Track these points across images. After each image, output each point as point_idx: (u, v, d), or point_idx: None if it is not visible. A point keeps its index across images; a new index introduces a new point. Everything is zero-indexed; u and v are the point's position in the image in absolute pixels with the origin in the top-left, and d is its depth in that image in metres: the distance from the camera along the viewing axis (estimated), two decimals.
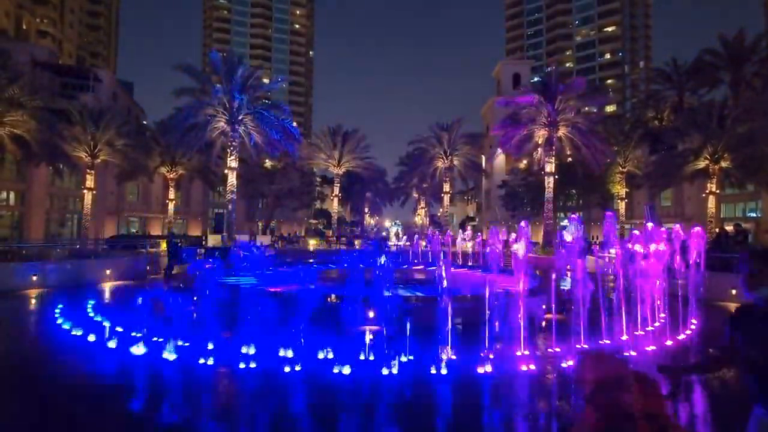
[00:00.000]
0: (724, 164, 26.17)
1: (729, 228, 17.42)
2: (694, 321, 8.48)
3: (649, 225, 7.80)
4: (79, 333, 7.14)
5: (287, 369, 5.48)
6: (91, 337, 6.83)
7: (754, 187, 31.95)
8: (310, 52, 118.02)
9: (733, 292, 11.61)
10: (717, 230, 19.92)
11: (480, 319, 6.61)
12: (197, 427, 4.20)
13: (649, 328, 7.81)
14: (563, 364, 5.78)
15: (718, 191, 27.51)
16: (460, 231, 42.32)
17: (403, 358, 5.82)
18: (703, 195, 28.69)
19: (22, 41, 51.60)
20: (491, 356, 5.92)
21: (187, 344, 6.34)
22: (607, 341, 6.85)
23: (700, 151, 26.30)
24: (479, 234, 32.71)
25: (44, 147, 22.78)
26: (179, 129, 26.61)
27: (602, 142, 28.33)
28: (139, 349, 6.15)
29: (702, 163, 26.62)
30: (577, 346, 6.53)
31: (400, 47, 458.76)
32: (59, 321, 8.04)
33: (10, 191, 34.89)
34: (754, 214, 35.11)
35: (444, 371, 5.43)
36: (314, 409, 4.66)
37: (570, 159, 34.16)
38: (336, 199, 44.03)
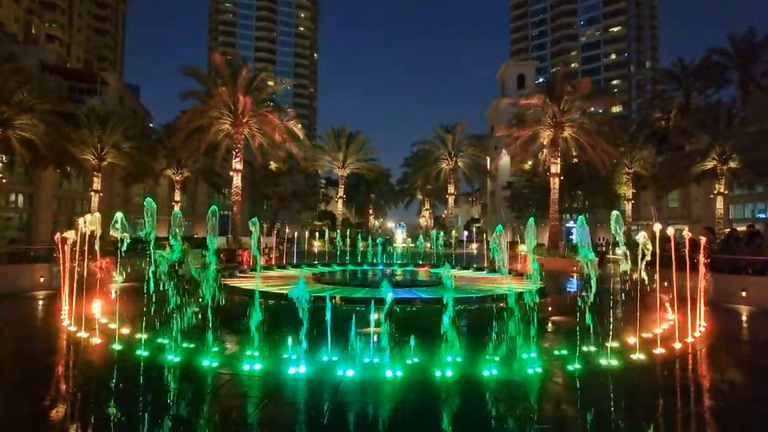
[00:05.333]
0: (732, 165, 25.88)
1: (741, 229, 17.18)
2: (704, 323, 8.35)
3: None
4: (85, 335, 7.16)
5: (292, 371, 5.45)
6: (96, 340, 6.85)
7: (763, 188, 31.56)
8: (315, 55, 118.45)
9: (743, 294, 11.43)
10: (726, 231, 19.64)
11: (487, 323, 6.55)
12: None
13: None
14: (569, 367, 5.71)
15: (726, 192, 27.19)
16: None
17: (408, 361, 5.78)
18: (711, 196, 28.37)
19: (30, 45, 52.31)
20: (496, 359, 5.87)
21: (192, 346, 6.34)
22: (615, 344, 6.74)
23: (707, 151, 26.03)
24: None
25: (52, 150, 23.04)
26: (184, 131, 26.78)
27: (608, 142, 28.10)
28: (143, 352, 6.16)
29: (710, 164, 26.34)
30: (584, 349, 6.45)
31: (403, 49, 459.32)
32: (66, 323, 8.09)
33: (18, 193, 35.28)
34: (764, 215, 34.66)
35: (449, 374, 5.38)
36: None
37: (576, 160, 33.91)
38: (340, 201, 44.06)
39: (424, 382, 5.25)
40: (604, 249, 26.38)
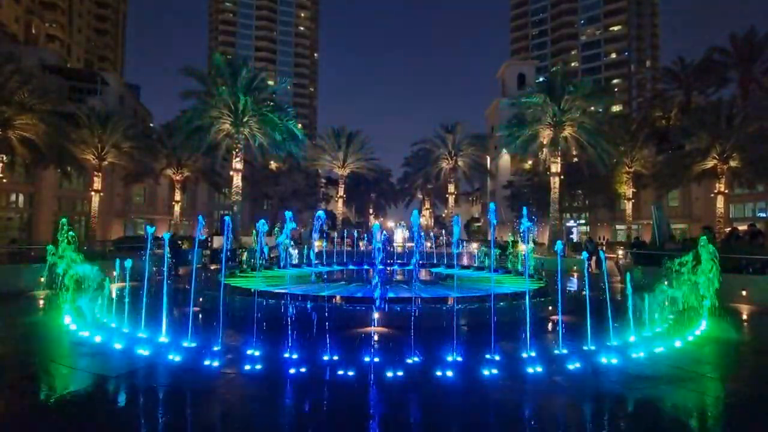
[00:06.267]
0: (732, 164, 25.88)
1: (741, 228, 17.18)
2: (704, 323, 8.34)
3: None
4: (86, 334, 7.17)
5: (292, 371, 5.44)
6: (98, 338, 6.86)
7: (763, 187, 31.54)
8: (315, 54, 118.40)
9: (744, 293, 11.42)
10: (727, 230, 19.63)
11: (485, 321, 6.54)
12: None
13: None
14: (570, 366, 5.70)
15: (726, 191, 27.18)
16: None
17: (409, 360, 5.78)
18: (712, 195, 28.37)
19: (31, 45, 52.36)
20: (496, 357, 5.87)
21: (193, 345, 6.35)
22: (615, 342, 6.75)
23: (708, 150, 26.03)
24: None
25: (53, 150, 23.07)
26: (184, 131, 26.81)
27: (608, 142, 28.11)
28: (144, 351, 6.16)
29: (710, 163, 26.34)
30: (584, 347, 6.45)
31: (404, 48, 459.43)
32: (66, 322, 8.09)
33: (19, 193, 35.34)
34: (764, 215, 34.64)
35: (450, 373, 5.37)
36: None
37: (576, 159, 33.89)
38: (341, 201, 44.06)
39: (425, 381, 5.26)
40: (603, 249, 26.36)
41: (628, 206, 35.85)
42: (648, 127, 37.40)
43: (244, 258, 20.43)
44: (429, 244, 33.24)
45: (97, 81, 43.92)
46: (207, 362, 5.59)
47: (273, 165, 46.68)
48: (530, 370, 5.51)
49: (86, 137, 28.44)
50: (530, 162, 45.57)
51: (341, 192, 43.50)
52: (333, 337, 6.24)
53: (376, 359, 5.79)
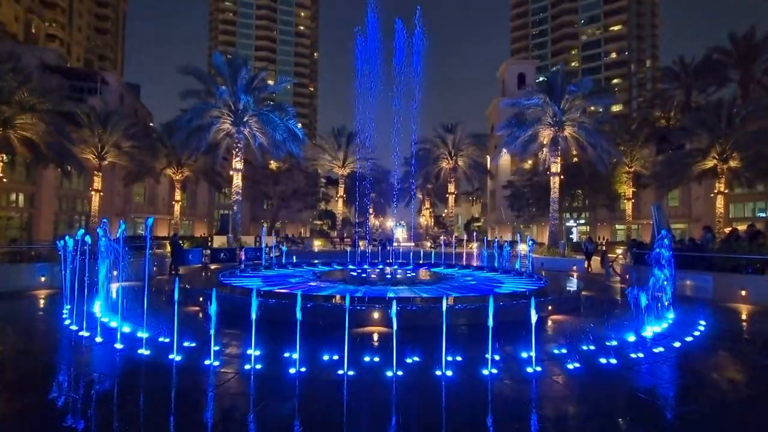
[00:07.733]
0: (732, 164, 25.88)
1: (741, 228, 17.18)
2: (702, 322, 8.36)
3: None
4: (86, 334, 7.19)
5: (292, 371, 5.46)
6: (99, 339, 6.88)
7: (763, 187, 31.54)
8: (315, 54, 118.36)
9: (743, 293, 11.43)
10: (727, 230, 19.64)
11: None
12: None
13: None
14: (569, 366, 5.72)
15: (726, 191, 27.19)
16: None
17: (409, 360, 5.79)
18: (712, 195, 28.37)
19: (31, 45, 52.36)
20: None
21: (193, 345, 6.36)
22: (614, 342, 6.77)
23: (708, 150, 26.04)
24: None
25: (53, 149, 23.07)
26: (185, 130, 26.81)
27: (608, 141, 28.12)
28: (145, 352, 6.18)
29: (710, 163, 26.34)
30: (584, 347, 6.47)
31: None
32: (67, 321, 8.11)
33: (19, 193, 35.33)
34: (764, 215, 34.64)
35: (449, 373, 5.39)
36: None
37: (576, 159, 33.90)
38: (341, 200, 44.08)
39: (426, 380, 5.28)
40: (604, 248, 26.38)
41: (628, 206, 35.86)
42: (648, 126, 37.39)
43: (244, 257, 20.46)
44: (429, 244, 33.19)
45: (97, 80, 43.87)
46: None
47: (273, 165, 46.66)
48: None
49: (86, 137, 28.44)
50: (530, 162, 45.55)
51: (341, 192, 43.52)
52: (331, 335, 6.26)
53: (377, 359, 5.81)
